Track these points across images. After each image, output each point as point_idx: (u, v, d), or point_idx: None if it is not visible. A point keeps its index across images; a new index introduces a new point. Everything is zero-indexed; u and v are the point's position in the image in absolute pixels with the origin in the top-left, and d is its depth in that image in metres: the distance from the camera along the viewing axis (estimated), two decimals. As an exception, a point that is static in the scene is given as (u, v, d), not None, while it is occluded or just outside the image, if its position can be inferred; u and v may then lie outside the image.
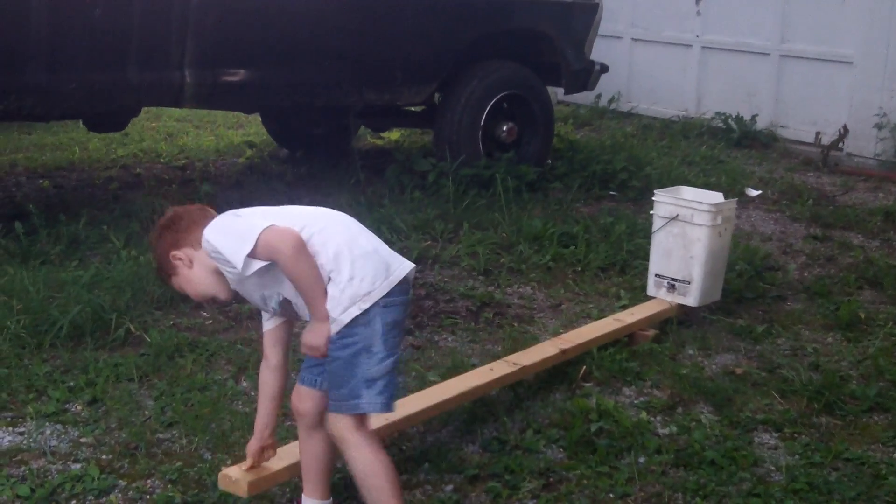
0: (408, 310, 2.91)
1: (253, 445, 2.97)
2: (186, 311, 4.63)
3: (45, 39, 5.16)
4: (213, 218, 2.83)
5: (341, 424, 2.75)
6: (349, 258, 2.71)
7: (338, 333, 2.72)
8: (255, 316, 4.58)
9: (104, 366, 3.99)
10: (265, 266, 2.70)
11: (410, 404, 3.50)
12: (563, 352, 4.09)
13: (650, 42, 9.77)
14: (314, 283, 2.71)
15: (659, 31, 9.67)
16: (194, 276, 2.82)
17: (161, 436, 3.54)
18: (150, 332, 4.32)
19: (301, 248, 2.67)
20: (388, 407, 2.76)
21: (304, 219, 2.78)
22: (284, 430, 3.54)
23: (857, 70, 8.11)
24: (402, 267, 2.80)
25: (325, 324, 2.72)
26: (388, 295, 2.73)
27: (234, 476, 2.97)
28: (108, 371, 3.95)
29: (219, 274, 2.79)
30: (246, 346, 4.26)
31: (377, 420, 3.32)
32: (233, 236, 2.71)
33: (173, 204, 5.82)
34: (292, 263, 2.68)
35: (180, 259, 2.81)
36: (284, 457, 3.09)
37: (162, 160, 7.62)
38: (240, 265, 2.69)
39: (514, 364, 3.91)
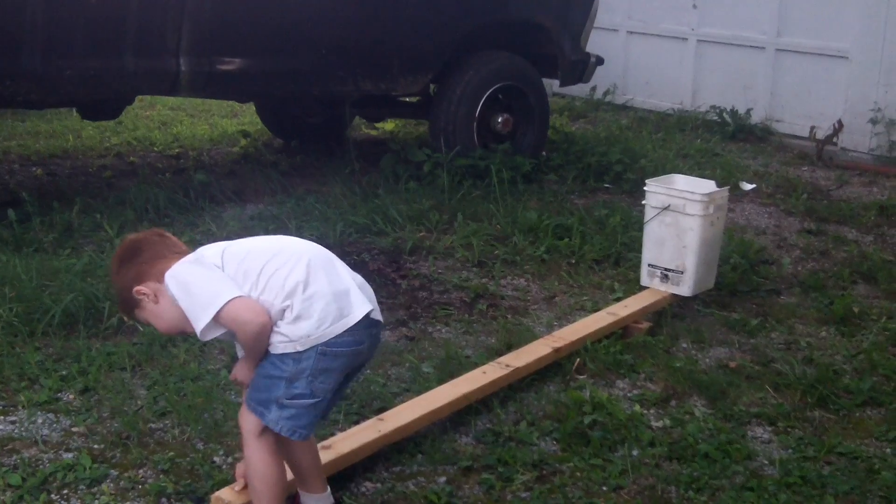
0: (358, 357, 2.80)
1: (241, 468, 2.94)
2: (180, 301, 4.60)
3: (41, 26, 5.14)
4: (174, 249, 2.77)
5: (249, 421, 2.74)
6: (301, 297, 2.65)
7: (272, 353, 2.70)
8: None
9: (97, 355, 3.97)
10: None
11: (402, 415, 3.48)
12: (556, 350, 4.09)
13: (646, 35, 9.74)
14: (258, 354, 2.72)
15: (655, 24, 9.65)
16: (161, 310, 2.73)
17: (154, 425, 3.53)
18: (144, 321, 4.30)
19: (263, 332, 2.65)
20: (293, 433, 2.72)
21: (268, 254, 2.72)
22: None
23: (853, 65, 8.10)
24: (357, 312, 2.71)
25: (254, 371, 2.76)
26: (329, 342, 2.68)
27: (227, 498, 2.95)
28: (100, 360, 3.93)
29: None
30: (239, 336, 4.24)
31: (368, 433, 3.33)
32: (194, 299, 2.64)
33: (165, 193, 5.88)
34: (251, 343, 2.68)
35: (145, 294, 2.71)
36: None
37: (156, 149, 7.60)
38: (199, 331, 2.64)
39: (507, 366, 3.89)
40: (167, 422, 3.55)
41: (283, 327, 2.66)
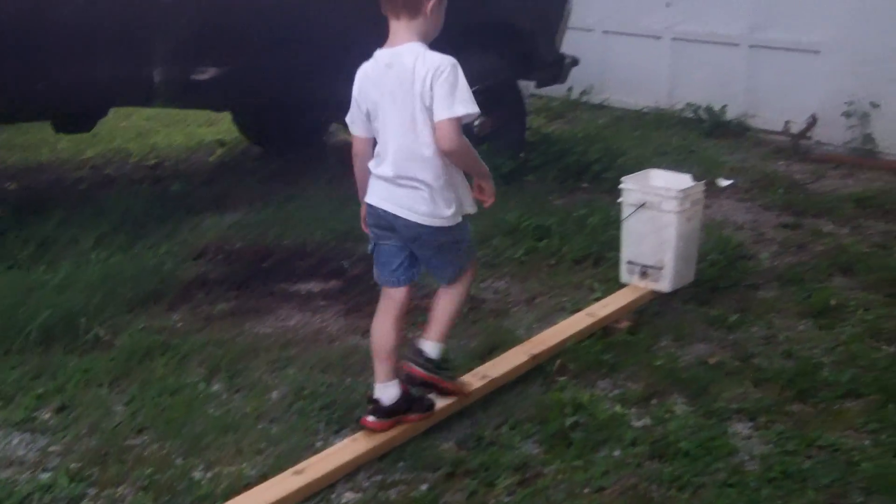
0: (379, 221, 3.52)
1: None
2: (158, 314, 4.58)
3: (10, 37, 5.10)
4: None
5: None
6: None
7: None
8: (227, 317, 4.56)
9: (74, 371, 3.94)
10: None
11: (377, 433, 3.47)
12: (534, 357, 4.09)
13: (621, 34, 9.74)
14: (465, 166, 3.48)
15: (630, 23, 9.64)
16: (429, 26, 3.43)
17: (132, 441, 3.50)
18: (121, 334, 4.28)
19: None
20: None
21: None
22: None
23: (826, 59, 8.12)
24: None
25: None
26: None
27: None
28: (77, 376, 3.90)
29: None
30: (218, 348, 4.22)
31: (343, 455, 3.33)
32: (465, 89, 3.29)
33: (142, 204, 5.84)
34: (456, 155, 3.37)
35: (433, 5, 3.41)
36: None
37: (132, 159, 7.57)
38: (453, 110, 3.25)
39: (484, 377, 3.88)
40: (146, 437, 3.53)
41: None
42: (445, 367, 3.65)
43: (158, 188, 6.55)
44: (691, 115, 8.84)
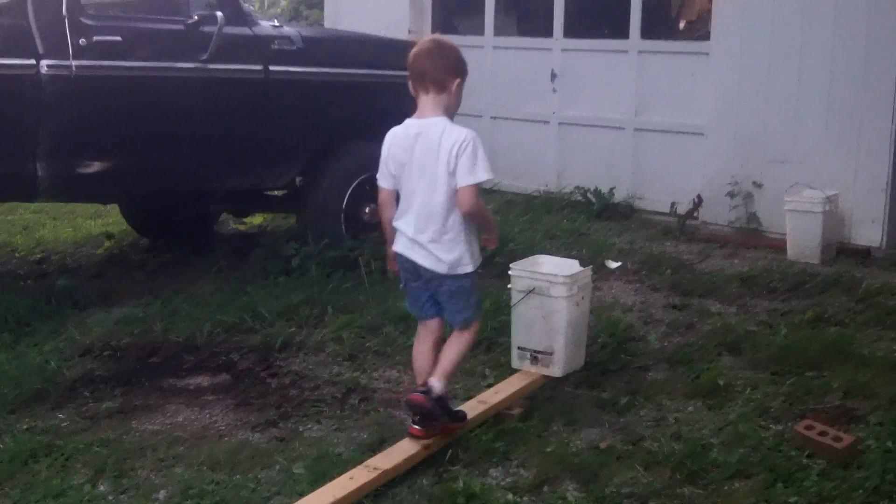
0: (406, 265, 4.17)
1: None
2: (42, 414, 4.45)
3: None
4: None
5: None
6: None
7: None
8: (113, 415, 4.45)
9: (-48, 478, 3.80)
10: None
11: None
12: (426, 447, 4.08)
13: (510, 119, 9.93)
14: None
15: (517, 109, 9.85)
16: (452, 101, 4.06)
17: (11, 550, 3.38)
18: (4, 436, 4.15)
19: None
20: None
21: None
22: None
23: (709, 141, 8.38)
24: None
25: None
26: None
27: None
28: (-44, 483, 3.77)
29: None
30: (104, 447, 4.11)
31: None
32: (484, 159, 3.93)
33: (27, 301, 5.70)
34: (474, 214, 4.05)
35: (457, 84, 4.04)
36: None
37: (17, 254, 7.41)
38: (476, 176, 3.93)
39: (375, 469, 3.84)
40: (26, 545, 3.41)
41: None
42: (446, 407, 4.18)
43: (44, 283, 6.41)
44: (580, 198, 9.00)
